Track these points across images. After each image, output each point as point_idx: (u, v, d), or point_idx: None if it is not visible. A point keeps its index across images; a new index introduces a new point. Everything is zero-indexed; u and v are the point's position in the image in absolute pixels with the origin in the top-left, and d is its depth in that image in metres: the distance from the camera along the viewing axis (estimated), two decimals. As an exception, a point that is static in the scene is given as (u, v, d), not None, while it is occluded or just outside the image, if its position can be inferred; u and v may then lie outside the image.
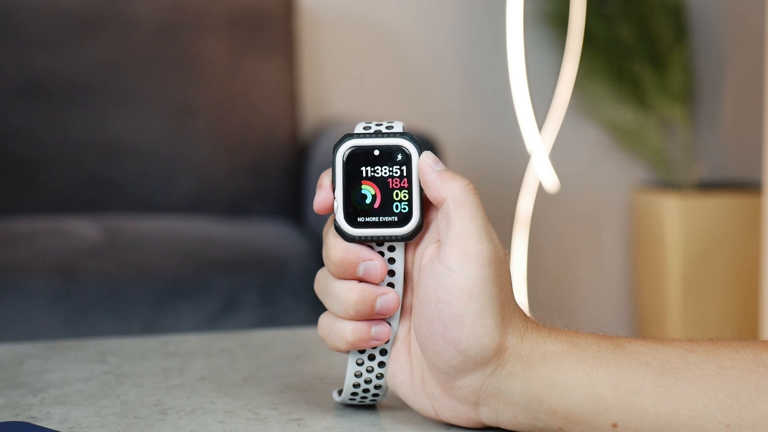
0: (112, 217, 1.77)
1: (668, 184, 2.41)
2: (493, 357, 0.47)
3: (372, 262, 0.49)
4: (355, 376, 0.51)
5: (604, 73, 2.36)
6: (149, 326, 1.45)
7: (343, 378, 0.54)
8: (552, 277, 2.44)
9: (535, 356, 0.47)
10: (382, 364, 0.51)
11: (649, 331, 2.36)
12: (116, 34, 1.93)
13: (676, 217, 2.24)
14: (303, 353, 0.70)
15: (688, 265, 2.24)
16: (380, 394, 0.52)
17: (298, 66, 2.06)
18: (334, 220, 0.50)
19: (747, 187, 2.37)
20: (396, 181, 0.49)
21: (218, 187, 1.93)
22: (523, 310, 0.50)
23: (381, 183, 0.49)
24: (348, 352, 0.51)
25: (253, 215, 1.92)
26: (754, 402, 0.44)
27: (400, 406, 0.54)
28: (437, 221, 0.49)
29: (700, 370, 0.45)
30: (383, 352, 0.51)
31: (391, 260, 0.50)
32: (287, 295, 1.52)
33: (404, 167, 0.49)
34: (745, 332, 2.24)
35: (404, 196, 0.49)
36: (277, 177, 1.97)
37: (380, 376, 0.51)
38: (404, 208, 0.49)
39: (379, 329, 0.50)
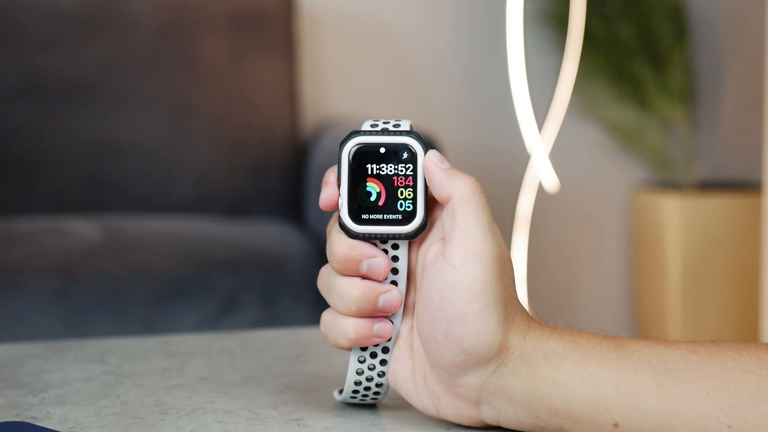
0: (112, 217, 1.77)
1: (668, 184, 2.41)
2: (496, 355, 0.47)
3: (375, 259, 0.49)
4: (357, 373, 0.51)
5: (604, 73, 2.36)
6: (149, 326, 1.45)
7: (344, 377, 0.54)
8: (552, 277, 2.44)
9: (538, 355, 0.47)
10: (384, 362, 0.51)
11: (649, 331, 2.36)
12: (116, 34, 1.93)
13: (676, 217, 2.24)
14: (303, 353, 0.70)
15: (688, 265, 2.24)
16: (381, 392, 0.52)
17: (298, 66, 2.06)
18: (339, 217, 0.50)
19: (747, 187, 2.37)
20: (401, 179, 0.49)
21: (218, 187, 1.93)
22: (526, 309, 0.50)
23: (386, 181, 0.49)
24: (350, 349, 0.51)
25: (253, 215, 1.92)
26: (756, 403, 0.44)
27: (400, 406, 0.54)
28: (441, 219, 0.49)
29: (703, 371, 0.45)
30: (385, 350, 0.51)
31: (395, 258, 0.50)
32: (287, 295, 1.52)
33: (410, 165, 0.49)
34: (745, 332, 2.24)
35: (409, 195, 0.49)
36: (277, 177, 1.97)
37: (382, 374, 0.51)
38: (409, 207, 0.49)
39: (382, 327, 0.50)
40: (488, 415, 0.49)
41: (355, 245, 0.49)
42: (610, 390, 0.46)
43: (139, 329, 1.44)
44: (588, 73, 2.33)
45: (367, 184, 0.49)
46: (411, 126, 0.50)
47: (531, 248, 2.22)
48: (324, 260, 0.61)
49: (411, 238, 0.49)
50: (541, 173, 2.15)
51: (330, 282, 0.50)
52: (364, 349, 0.51)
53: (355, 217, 0.49)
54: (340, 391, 0.54)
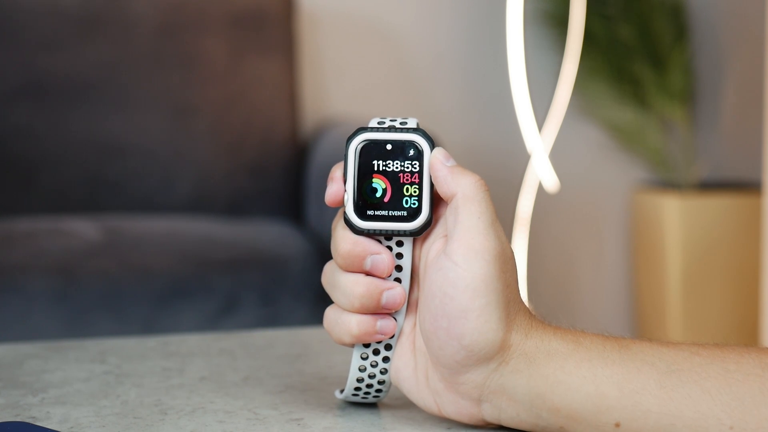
0: (112, 217, 1.77)
1: (668, 184, 2.41)
2: (497, 353, 0.47)
3: (380, 255, 0.49)
4: (359, 370, 0.51)
5: (604, 73, 2.36)
6: (149, 326, 1.45)
7: (345, 377, 0.54)
8: (552, 277, 2.44)
9: (540, 354, 0.47)
10: (386, 359, 0.51)
11: (649, 331, 2.36)
12: (116, 34, 1.93)
13: (676, 217, 2.24)
14: (303, 353, 0.70)
15: (688, 265, 2.24)
16: (383, 390, 0.52)
17: (298, 66, 2.06)
18: (344, 213, 0.50)
19: (747, 187, 2.37)
20: (407, 175, 0.49)
21: (218, 187, 1.93)
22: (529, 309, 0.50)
23: (392, 177, 0.49)
24: (353, 345, 0.51)
25: (253, 215, 1.92)
26: (759, 405, 0.44)
27: (401, 405, 0.54)
28: (445, 217, 0.49)
29: (705, 373, 0.45)
30: (388, 347, 0.51)
31: (399, 255, 0.50)
32: (287, 295, 1.52)
33: (416, 162, 0.49)
34: (745, 332, 2.24)
35: (414, 191, 0.49)
36: (277, 177, 1.97)
37: (384, 371, 0.51)
38: (414, 203, 0.49)
39: (385, 323, 0.50)
40: (489, 413, 0.49)
41: (360, 241, 0.49)
42: (612, 390, 0.46)
43: (139, 329, 1.44)
44: (588, 73, 2.33)
45: (373, 180, 0.49)
46: (417, 124, 0.50)
47: (531, 248, 2.22)
48: (324, 260, 0.61)
49: (416, 234, 0.49)
50: (541, 173, 2.15)
51: (334, 278, 0.50)
52: (366, 345, 0.51)
53: (361, 213, 0.49)
54: (342, 391, 0.54)
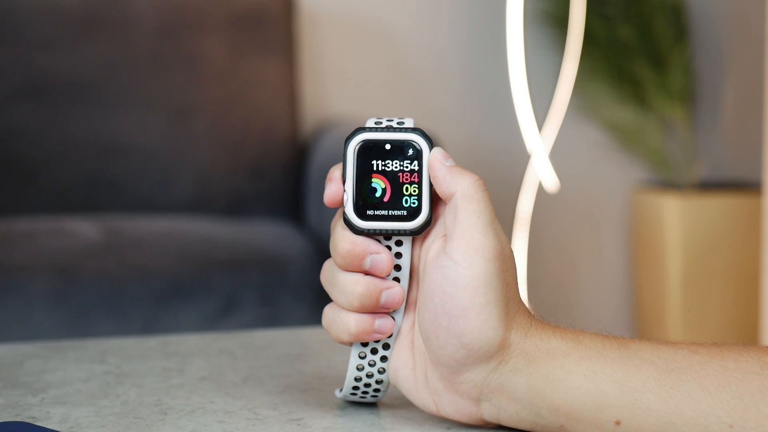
0: (112, 217, 1.77)
1: (668, 184, 2.41)
2: (497, 352, 0.47)
3: (379, 255, 0.49)
4: (357, 369, 0.51)
5: (604, 73, 2.36)
6: (149, 326, 1.45)
7: (344, 376, 0.54)
8: (552, 277, 2.44)
9: (539, 353, 0.47)
10: (384, 359, 0.51)
11: (649, 331, 2.36)
12: (116, 34, 1.93)
13: (676, 217, 2.24)
14: (303, 353, 0.70)
15: (688, 265, 2.24)
16: (381, 389, 0.52)
17: (298, 66, 2.06)
18: (343, 212, 0.50)
19: (747, 187, 2.37)
20: (406, 175, 0.49)
21: (218, 187, 1.93)
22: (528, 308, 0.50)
23: (391, 177, 0.49)
24: (351, 344, 0.51)
25: (253, 215, 1.92)
26: (758, 403, 0.44)
27: (400, 405, 0.54)
28: (444, 216, 0.50)
29: (705, 371, 0.45)
30: (386, 346, 0.51)
31: (398, 255, 0.50)
32: (287, 295, 1.52)
33: (415, 162, 0.49)
34: (745, 332, 2.24)
35: (414, 191, 0.49)
36: (277, 177, 1.97)
37: (382, 371, 0.51)
38: (413, 203, 0.49)
39: (383, 323, 0.50)
40: (489, 412, 0.49)
41: (359, 241, 0.49)
42: (612, 388, 0.46)
43: (139, 329, 1.44)
44: (588, 73, 2.33)
45: (373, 180, 0.49)
46: (414, 123, 0.50)
47: (531, 248, 2.22)
48: (323, 259, 0.61)
49: (416, 234, 0.50)
50: (541, 173, 2.15)
51: (333, 277, 0.50)
52: (365, 344, 0.51)
53: (360, 212, 0.49)
54: (341, 389, 0.54)
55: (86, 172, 1.88)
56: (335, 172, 0.50)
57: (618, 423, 0.46)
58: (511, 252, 0.49)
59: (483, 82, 2.35)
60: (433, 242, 0.50)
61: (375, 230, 0.49)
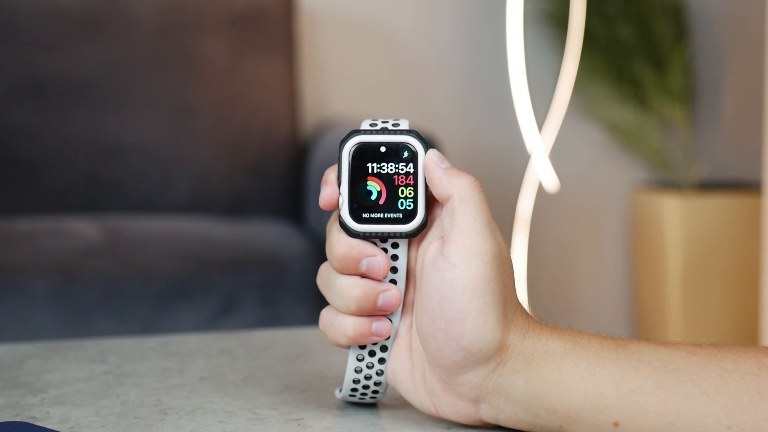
0: (112, 217, 1.77)
1: (668, 184, 2.41)
2: (495, 354, 0.47)
3: (375, 258, 0.49)
4: (355, 371, 0.51)
5: (604, 73, 2.36)
6: (149, 326, 1.45)
7: (343, 378, 0.54)
8: (552, 277, 2.44)
9: (537, 354, 0.47)
10: (382, 361, 0.51)
11: (649, 331, 2.36)
12: (116, 34, 1.93)
13: (676, 217, 2.24)
14: (303, 353, 0.70)
15: (688, 265, 2.24)
16: (380, 391, 0.52)
17: (298, 66, 2.06)
18: (339, 215, 0.50)
19: (747, 187, 2.37)
20: (402, 178, 0.49)
21: (218, 187, 1.93)
22: (526, 309, 0.50)
23: (387, 179, 0.49)
24: (349, 347, 0.51)
25: (253, 215, 1.92)
26: (756, 405, 0.44)
27: (400, 405, 0.54)
28: (441, 218, 0.49)
29: (703, 372, 0.45)
30: (384, 349, 0.51)
31: (395, 257, 0.50)
32: (287, 295, 1.52)
33: (410, 164, 0.49)
34: (745, 332, 2.24)
35: (410, 193, 0.49)
36: (277, 177, 1.97)
37: (380, 373, 0.51)
38: (409, 205, 0.49)
39: (380, 325, 0.50)
40: (487, 413, 0.49)
41: (355, 244, 0.49)
42: (610, 389, 0.46)
43: (139, 329, 1.44)
44: (588, 73, 2.33)
45: (368, 182, 0.49)
46: (409, 125, 0.50)
47: (531, 248, 2.22)
48: (323, 259, 0.61)
49: (411, 236, 0.49)
50: (541, 173, 2.15)
51: (329, 280, 0.50)
52: (362, 347, 0.51)
53: (356, 215, 0.49)
54: (341, 390, 0.54)
55: (86, 172, 1.88)
56: (330, 174, 0.50)
57: (616, 424, 0.46)
58: (509, 254, 0.49)
59: (483, 82, 2.35)
60: (429, 244, 0.50)
61: (371, 233, 0.49)
